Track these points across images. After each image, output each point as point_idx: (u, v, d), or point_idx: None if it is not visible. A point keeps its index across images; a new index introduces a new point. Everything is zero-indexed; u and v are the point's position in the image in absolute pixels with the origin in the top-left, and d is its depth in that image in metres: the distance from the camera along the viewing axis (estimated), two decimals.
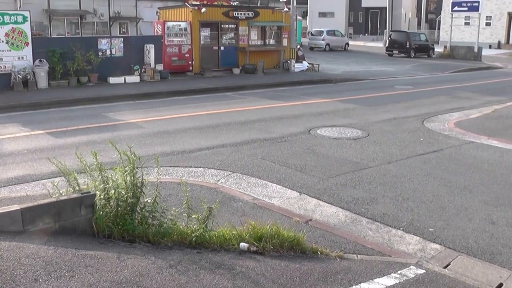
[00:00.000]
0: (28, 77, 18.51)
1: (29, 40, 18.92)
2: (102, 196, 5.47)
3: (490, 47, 49.77)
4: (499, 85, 23.99)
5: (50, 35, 30.83)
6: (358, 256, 5.71)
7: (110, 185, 5.48)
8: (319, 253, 5.59)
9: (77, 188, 5.64)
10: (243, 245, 5.46)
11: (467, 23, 48.97)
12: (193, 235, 5.46)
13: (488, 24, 51.26)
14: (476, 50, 38.44)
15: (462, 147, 11.11)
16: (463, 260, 5.76)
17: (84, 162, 5.65)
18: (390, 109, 15.98)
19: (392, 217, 6.95)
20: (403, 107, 16.34)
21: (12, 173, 8.75)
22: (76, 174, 5.71)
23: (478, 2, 38.23)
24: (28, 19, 18.97)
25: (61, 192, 5.64)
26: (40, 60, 18.81)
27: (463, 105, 17.05)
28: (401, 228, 6.59)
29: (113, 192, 5.43)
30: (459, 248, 6.04)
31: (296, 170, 9.09)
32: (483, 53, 38.86)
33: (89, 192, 5.49)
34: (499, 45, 50.98)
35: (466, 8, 39.49)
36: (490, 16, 50.79)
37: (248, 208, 7.14)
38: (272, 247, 5.48)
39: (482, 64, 35.17)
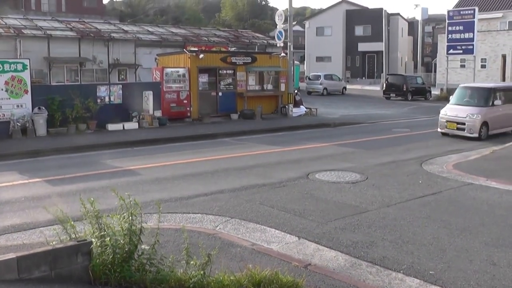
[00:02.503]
0: (27, 125, 18.58)
1: (29, 88, 19.03)
2: (98, 244, 5.43)
3: None
4: None
5: (50, 83, 30.96)
6: None
7: (106, 232, 5.45)
8: None
9: (73, 235, 5.62)
10: None
11: (462, 66, 49.37)
12: (191, 281, 5.40)
13: (483, 66, 51.71)
14: None
15: (461, 188, 11.09)
16: None
17: (85, 208, 5.63)
18: (388, 152, 16.01)
19: (392, 260, 6.89)
20: (401, 150, 16.37)
21: (9, 222, 8.71)
22: (72, 222, 5.69)
23: (473, 45, 38.74)
24: (28, 67, 19.12)
25: (58, 239, 5.61)
26: (39, 108, 18.88)
27: (462, 146, 17.08)
28: (402, 271, 6.52)
29: (109, 240, 5.40)
30: None
31: (294, 214, 9.04)
32: None
33: (85, 239, 5.47)
34: None
35: (461, 51, 39.99)
36: (485, 58, 51.27)
37: (246, 254, 7.09)
38: None
39: None
